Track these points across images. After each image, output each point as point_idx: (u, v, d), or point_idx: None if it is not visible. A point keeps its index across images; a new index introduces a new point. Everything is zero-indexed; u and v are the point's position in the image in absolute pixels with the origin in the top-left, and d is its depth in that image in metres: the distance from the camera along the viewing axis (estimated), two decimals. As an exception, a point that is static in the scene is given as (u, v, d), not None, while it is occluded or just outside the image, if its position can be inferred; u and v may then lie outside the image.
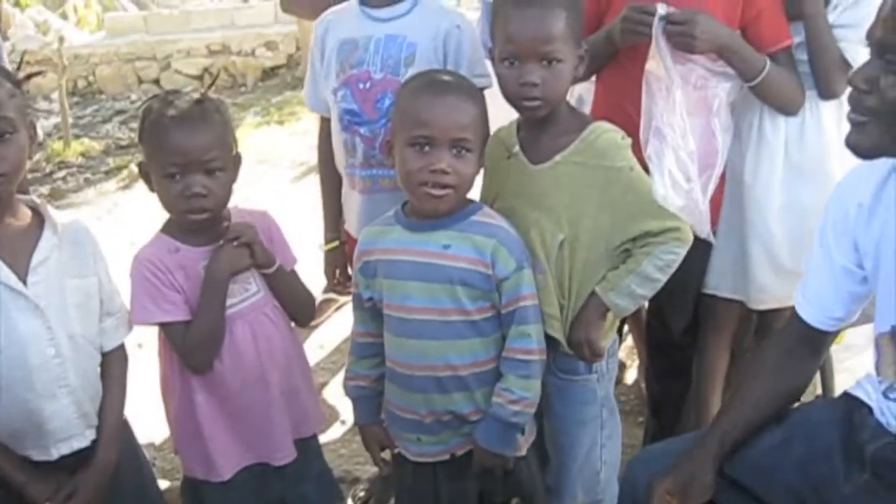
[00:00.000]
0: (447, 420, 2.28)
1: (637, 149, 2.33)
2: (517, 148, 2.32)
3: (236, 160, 2.31)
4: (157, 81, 10.77)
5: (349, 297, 4.43)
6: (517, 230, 2.23)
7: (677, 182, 2.39)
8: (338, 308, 4.54)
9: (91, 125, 9.40)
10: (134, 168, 7.44)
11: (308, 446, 2.48)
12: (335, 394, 3.78)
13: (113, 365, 2.27)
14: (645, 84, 2.48)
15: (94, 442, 2.21)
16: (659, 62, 2.46)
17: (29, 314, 2.07)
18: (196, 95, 2.27)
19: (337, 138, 2.69)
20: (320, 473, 2.54)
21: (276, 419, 2.37)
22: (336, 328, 4.43)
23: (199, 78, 10.45)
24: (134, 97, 10.34)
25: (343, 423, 3.63)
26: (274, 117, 8.85)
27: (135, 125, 9.03)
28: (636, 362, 3.72)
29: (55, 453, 2.16)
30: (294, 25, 9.55)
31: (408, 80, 2.33)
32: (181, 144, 2.19)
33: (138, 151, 8.00)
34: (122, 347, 2.30)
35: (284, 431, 2.40)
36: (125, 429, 2.34)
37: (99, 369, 2.25)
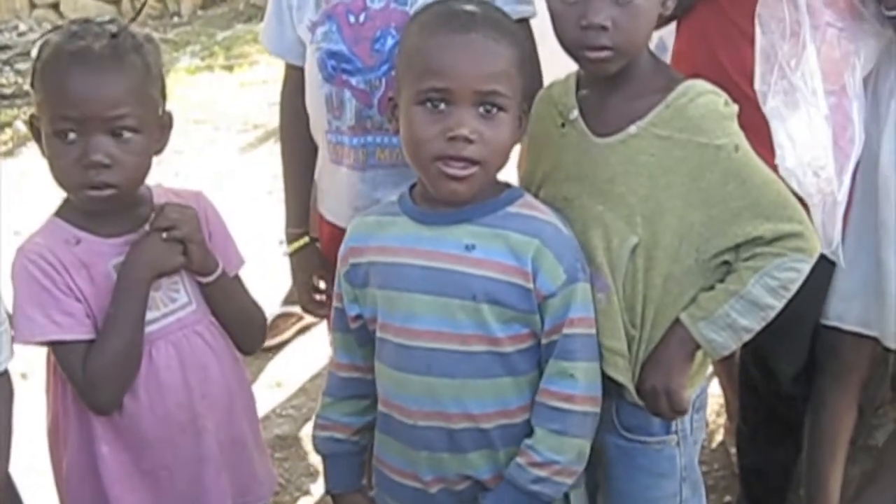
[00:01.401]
0: (461, 489, 2.29)
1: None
2: (576, 113, 2.30)
3: (163, 121, 2.34)
4: (55, 6, 10.86)
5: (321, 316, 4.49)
6: (571, 228, 2.22)
7: (809, 159, 2.38)
8: (301, 329, 4.58)
9: (-40, 64, 9.49)
10: (21, 126, 7.51)
11: None
12: (297, 452, 3.82)
13: None
14: (758, 23, 2.48)
15: None
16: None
17: None
18: (112, 28, 2.28)
19: (314, 93, 2.68)
20: None
21: (210, 481, 2.39)
22: (300, 359, 4.46)
23: (116, 3, 10.52)
24: (23, 27, 10.42)
25: (307, 493, 3.65)
26: (218, 60, 8.90)
27: (24, 66, 9.18)
28: (723, 419, 3.72)
29: None
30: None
31: (418, 11, 2.32)
32: (79, 93, 2.21)
33: (27, 104, 8.09)
34: (6, 374, 2.28)
35: (222, 499, 2.41)
36: (9, 490, 2.35)
37: None
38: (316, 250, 2.86)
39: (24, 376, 2.79)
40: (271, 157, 6.46)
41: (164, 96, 2.34)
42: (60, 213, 2.35)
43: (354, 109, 2.60)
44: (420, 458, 2.27)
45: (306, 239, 2.87)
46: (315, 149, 2.76)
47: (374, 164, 2.60)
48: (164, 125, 2.34)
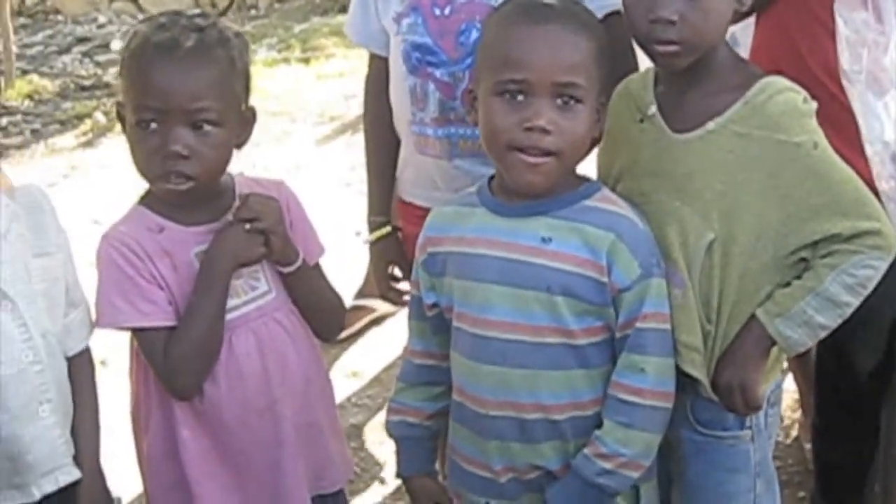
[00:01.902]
0: (530, 479, 2.30)
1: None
2: (653, 108, 2.30)
3: (245, 116, 2.37)
4: (134, 0, 10.92)
5: (393, 308, 4.51)
6: (648, 224, 2.23)
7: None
8: (375, 320, 4.60)
9: (42, 57, 9.55)
10: (100, 117, 7.55)
11: None
12: (372, 441, 3.84)
13: (81, 374, 2.32)
14: (838, 15, 2.49)
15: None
16: None
17: None
18: (201, 21, 2.31)
19: (398, 84, 2.70)
20: None
21: (288, 466, 2.41)
22: (375, 350, 4.48)
23: (193, -3, 10.59)
24: (102, 20, 10.49)
25: (382, 482, 3.67)
26: (295, 53, 8.90)
27: (103, 58, 9.26)
28: (797, 414, 3.71)
29: (37, 493, 2.21)
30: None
31: (499, 5, 2.34)
32: (162, 84, 2.24)
33: (107, 95, 8.16)
34: (88, 351, 2.35)
35: (299, 483, 2.43)
36: (99, 473, 2.38)
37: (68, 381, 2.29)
38: (396, 239, 2.88)
39: (103, 363, 2.83)
40: (348, 149, 6.48)
41: (248, 91, 2.36)
42: (144, 201, 2.38)
43: (438, 101, 2.62)
44: (491, 447, 2.29)
45: (388, 228, 2.88)
46: (398, 138, 2.78)
47: (458, 154, 2.61)
48: (246, 120, 2.36)
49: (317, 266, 2.46)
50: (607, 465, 2.20)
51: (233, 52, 2.31)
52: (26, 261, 2.18)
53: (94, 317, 2.33)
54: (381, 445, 3.78)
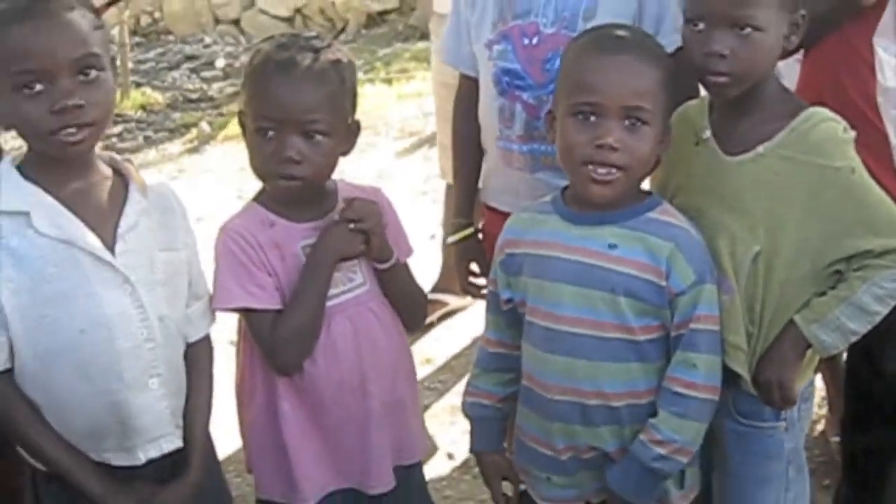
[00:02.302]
0: (588, 458, 2.31)
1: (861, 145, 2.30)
2: (708, 133, 2.31)
3: (350, 128, 2.39)
4: (236, 22, 10.98)
5: (463, 303, 4.53)
6: (702, 236, 2.23)
7: None
8: (447, 313, 4.60)
9: (154, 72, 9.60)
10: (205, 127, 7.61)
11: (410, 476, 2.53)
12: (442, 421, 3.83)
13: (198, 358, 2.32)
14: (877, 45, 2.52)
15: (184, 446, 2.28)
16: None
17: (117, 289, 2.14)
18: (316, 44, 2.33)
19: (488, 103, 2.70)
20: None
21: (374, 438, 2.42)
22: (446, 339, 4.48)
23: (289, 20, 10.62)
24: (208, 40, 10.55)
25: (451, 457, 3.67)
26: (379, 74, 8.89)
27: (208, 74, 9.32)
28: (823, 410, 3.69)
29: (142, 457, 2.22)
30: (409, -37, 9.66)
31: (577, 36, 2.36)
32: (280, 98, 2.27)
33: (211, 107, 8.23)
34: (207, 339, 2.36)
35: (384, 454, 2.44)
36: (208, 435, 2.39)
37: (183, 362, 2.30)
38: (477, 240, 2.88)
39: (232, 343, 2.85)
40: (424, 162, 6.50)
41: (354, 107, 2.38)
42: (259, 199, 2.40)
43: (523, 121, 2.62)
44: (554, 428, 2.29)
45: (471, 229, 2.88)
46: (482, 150, 2.79)
47: (539, 168, 2.60)
48: (351, 132, 2.38)
49: (406, 264, 2.47)
50: (662, 451, 2.20)
51: (343, 72, 2.34)
52: (151, 253, 2.19)
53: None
54: (450, 425, 3.79)
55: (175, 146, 7.47)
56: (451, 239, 2.92)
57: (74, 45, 2.05)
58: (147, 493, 2.21)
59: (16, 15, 2.05)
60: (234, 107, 8.06)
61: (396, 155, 6.88)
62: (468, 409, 2.49)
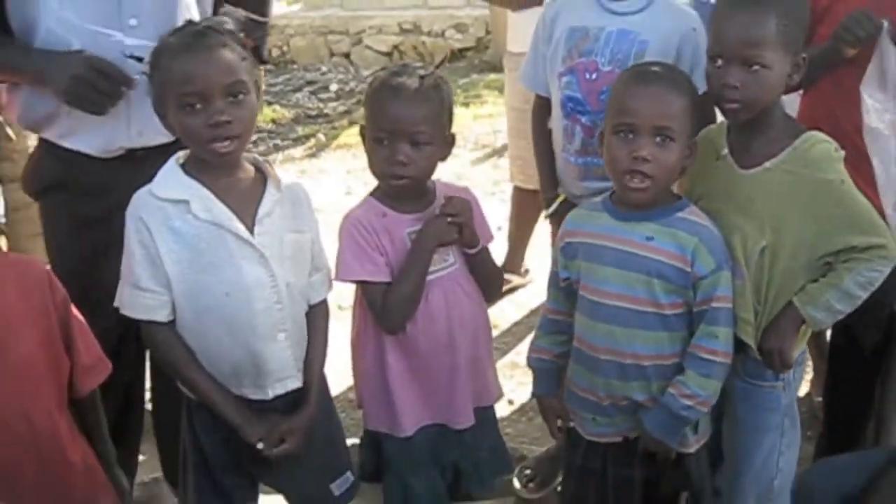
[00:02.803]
0: (623, 405, 2.31)
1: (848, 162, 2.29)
2: (726, 150, 2.31)
3: (447, 139, 2.38)
4: (347, 55, 11.00)
5: (522, 281, 4.53)
6: (720, 232, 2.23)
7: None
8: (510, 289, 4.57)
9: (282, 93, 9.59)
10: (321, 138, 7.64)
11: (486, 415, 2.53)
12: (504, 374, 3.77)
13: (317, 317, 2.35)
14: (863, 91, 2.49)
15: (303, 386, 2.31)
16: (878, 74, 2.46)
17: (255, 262, 2.17)
18: (422, 71, 2.35)
19: (556, 122, 2.70)
20: (494, 444, 2.58)
21: (459, 385, 2.43)
22: (509, 310, 4.45)
23: (389, 55, 10.62)
24: (324, 69, 10.56)
25: (510, 402, 3.67)
26: (459, 99, 8.72)
27: (324, 96, 9.36)
28: (809, 375, 3.62)
29: (271, 393, 2.26)
30: (485, 10, 9.59)
31: (624, 70, 2.37)
32: (392, 113, 2.29)
33: (325, 122, 8.27)
34: (325, 302, 2.38)
35: (466, 397, 2.46)
36: (323, 384, 2.42)
37: (305, 320, 2.33)
38: (571, 204, 2.77)
39: (340, 307, 2.88)
40: (493, 169, 6.48)
41: (450, 122, 2.38)
42: (374, 193, 2.41)
43: (581, 139, 2.63)
44: (598, 381, 2.31)
45: (562, 196, 2.83)
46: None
47: (590, 178, 2.60)
48: (448, 142, 2.38)
49: (487, 248, 2.48)
50: (689, 403, 2.21)
51: (443, 94, 2.35)
52: (282, 235, 2.22)
53: (333, 275, 2.38)
54: (510, 378, 3.79)
55: (297, 152, 7.50)
56: (547, 211, 2.88)
57: (226, 73, 2.10)
58: (274, 421, 2.24)
59: (182, 48, 2.11)
60: (345, 122, 8.15)
61: (471, 163, 6.85)
62: (532, 363, 2.50)
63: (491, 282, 2.52)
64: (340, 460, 2.45)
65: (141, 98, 2.33)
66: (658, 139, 2.15)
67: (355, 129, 7.71)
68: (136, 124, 2.44)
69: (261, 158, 2.31)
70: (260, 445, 2.20)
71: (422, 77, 2.32)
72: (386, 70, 2.39)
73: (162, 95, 2.13)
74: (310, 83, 9.83)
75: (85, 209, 2.51)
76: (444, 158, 2.39)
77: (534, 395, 2.55)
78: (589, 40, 2.59)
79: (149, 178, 2.20)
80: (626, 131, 2.17)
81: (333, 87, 9.58)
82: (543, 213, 2.92)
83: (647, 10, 2.59)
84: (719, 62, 2.19)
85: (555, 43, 2.66)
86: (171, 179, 2.18)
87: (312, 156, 7.36)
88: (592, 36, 2.58)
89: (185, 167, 2.19)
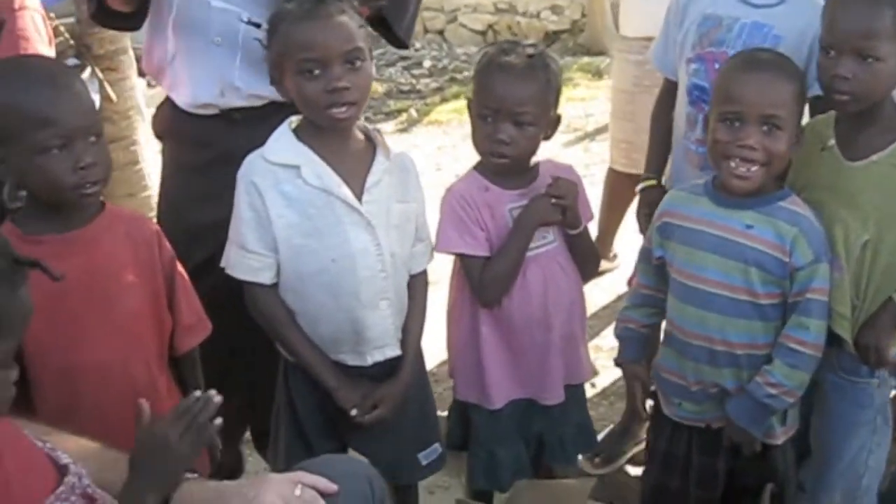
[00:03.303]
0: (712, 392, 2.30)
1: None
2: (832, 141, 2.28)
3: (552, 119, 2.38)
4: (441, 32, 11.00)
5: (611, 265, 4.50)
6: (821, 224, 2.21)
7: None
8: (598, 273, 4.54)
9: (376, 68, 9.67)
10: (413, 113, 7.67)
11: (575, 393, 2.55)
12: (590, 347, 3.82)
13: (417, 287, 2.36)
14: None
15: (400, 355, 2.32)
16: None
17: (361, 230, 2.19)
18: (530, 50, 2.34)
19: (680, 109, 2.66)
20: (581, 422, 2.59)
21: (552, 361, 2.44)
22: (597, 294, 4.39)
23: (483, 34, 10.60)
24: (418, 45, 10.54)
25: (593, 385, 3.62)
26: (553, 82, 8.80)
27: (417, 72, 9.38)
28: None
29: (369, 360, 2.28)
30: (582, -8, 9.57)
31: (731, 56, 2.34)
32: (496, 91, 2.30)
33: (418, 98, 8.30)
34: (425, 272, 2.40)
35: (557, 374, 2.47)
36: (419, 351, 2.42)
37: (406, 289, 2.34)
38: (660, 192, 2.76)
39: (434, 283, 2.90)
40: (584, 153, 6.43)
41: (556, 103, 2.38)
42: (477, 168, 2.42)
43: (703, 128, 2.50)
44: (687, 365, 2.30)
45: (654, 181, 2.81)
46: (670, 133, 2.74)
47: (709, 167, 2.45)
48: (552, 123, 2.39)
49: (586, 228, 2.47)
50: (773, 392, 2.19)
51: (550, 74, 2.34)
52: (389, 204, 2.24)
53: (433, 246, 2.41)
54: (594, 361, 3.66)
55: (389, 126, 7.51)
56: (639, 186, 2.86)
57: (345, 40, 2.11)
58: (368, 388, 2.26)
59: (302, 15, 2.12)
60: (437, 99, 8.17)
61: (563, 145, 6.81)
62: (619, 332, 2.50)
63: (588, 261, 2.52)
64: (430, 431, 2.47)
65: (224, 60, 2.40)
66: (765, 127, 2.13)
67: (447, 106, 7.80)
68: (218, 85, 2.47)
69: (371, 127, 2.32)
70: (354, 411, 2.24)
71: (530, 56, 2.32)
72: (496, 46, 2.40)
73: (279, 61, 2.15)
74: (403, 58, 9.82)
75: (183, 158, 2.58)
76: (548, 138, 2.39)
77: (618, 363, 2.56)
78: (721, 30, 2.52)
79: (244, 140, 2.25)
80: (733, 119, 2.15)
81: (427, 63, 9.59)
82: (640, 185, 2.87)
83: (785, 3, 2.50)
84: (832, 53, 2.17)
85: (686, 28, 2.61)
86: (282, 144, 2.20)
87: (404, 130, 7.38)
88: (725, 26, 2.51)
89: (297, 132, 2.21)
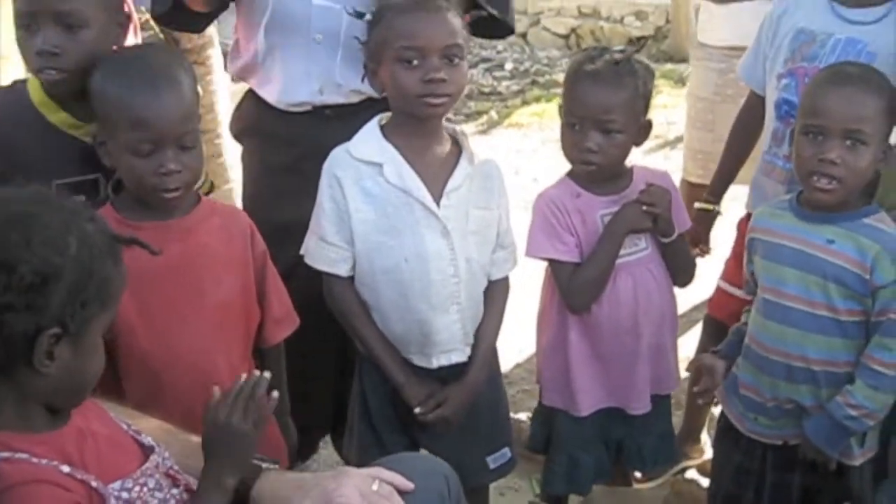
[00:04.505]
0: (788, 408, 2.30)
1: None
2: None
3: (643, 126, 2.39)
4: (524, 35, 11.00)
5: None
6: None
7: None
8: None
9: (458, 69, 9.75)
10: (493, 115, 7.71)
11: (661, 403, 2.56)
12: None
13: (496, 293, 2.37)
14: None
15: (469, 360, 2.33)
16: None
17: (437, 234, 2.21)
18: (617, 56, 2.36)
19: (766, 123, 2.64)
20: (664, 433, 2.61)
21: (640, 370, 2.46)
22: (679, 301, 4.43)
23: (566, 38, 10.60)
24: (500, 47, 10.54)
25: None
26: (635, 88, 8.74)
27: (498, 74, 9.41)
28: None
29: (435, 363, 2.30)
30: (668, -1, 9.50)
31: (820, 70, 2.35)
32: (582, 99, 2.34)
33: (499, 100, 8.32)
34: (506, 279, 2.40)
35: (645, 384, 2.48)
36: (493, 354, 2.44)
37: (482, 295, 2.35)
38: (712, 217, 2.86)
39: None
40: (664, 160, 6.39)
41: (646, 109, 2.39)
42: (570, 174, 2.44)
43: (790, 143, 2.50)
44: (764, 380, 2.30)
45: (711, 207, 2.88)
46: (747, 154, 2.75)
47: (795, 182, 2.41)
48: (643, 129, 2.40)
49: (682, 235, 2.47)
50: (853, 413, 2.18)
51: (638, 81, 2.35)
52: (468, 209, 2.26)
53: (524, 251, 2.42)
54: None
55: (469, 128, 7.52)
56: (697, 205, 2.91)
57: (447, 35, 2.13)
58: (435, 387, 2.29)
59: (409, 6, 2.16)
60: (518, 101, 8.20)
61: (643, 153, 6.78)
62: (732, 328, 2.48)
63: (683, 269, 2.52)
64: (501, 435, 2.47)
65: (324, 57, 2.46)
66: (848, 142, 2.13)
67: (527, 109, 7.82)
68: (317, 82, 2.51)
69: (459, 130, 2.34)
70: (418, 409, 2.26)
71: (617, 63, 2.32)
72: (584, 52, 2.42)
73: (378, 50, 2.18)
74: (485, 60, 9.86)
75: (272, 156, 2.63)
76: (638, 144, 2.41)
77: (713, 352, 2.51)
78: (815, 45, 2.50)
79: (335, 137, 2.30)
80: (816, 133, 2.15)
81: (508, 65, 9.61)
82: (697, 204, 2.91)
83: (882, 21, 2.47)
84: None
85: (778, 43, 2.60)
86: (368, 141, 2.24)
87: (483, 133, 7.40)
88: (819, 41, 2.49)
89: (385, 130, 2.24)
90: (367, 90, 2.40)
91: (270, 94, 2.57)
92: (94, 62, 2.05)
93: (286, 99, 2.55)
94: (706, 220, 2.94)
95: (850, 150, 2.13)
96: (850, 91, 2.16)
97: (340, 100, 2.51)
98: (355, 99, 2.51)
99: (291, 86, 2.52)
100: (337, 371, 2.70)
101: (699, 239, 2.95)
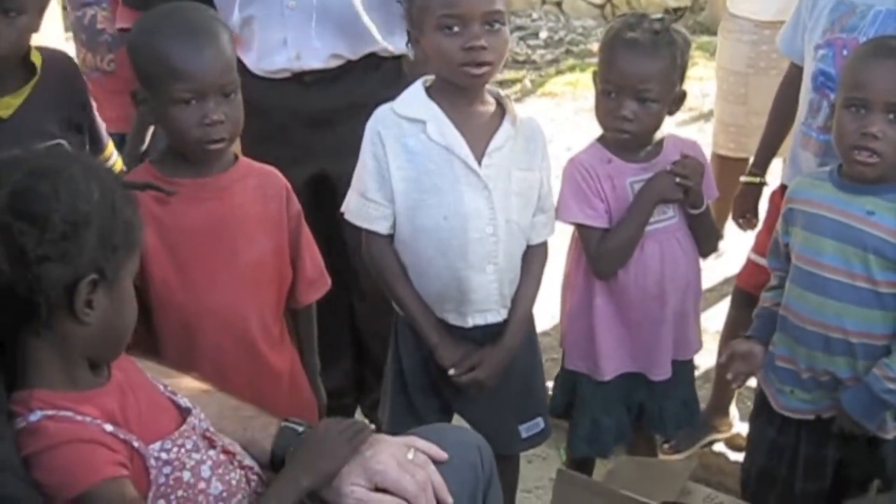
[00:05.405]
0: (823, 380, 2.29)
1: None
2: None
3: (677, 96, 2.39)
4: (559, 4, 10.92)
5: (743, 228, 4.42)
6: None
7: None
8: None
9: (492, 37, 9.71)
10: (527, 83, 7.68)
11: (683, 369, 2.57)
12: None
13: (534, 258, 2.36)
14: None
15: (504, 322, 2.33)
16: None
17: (477, 193, 2.21)
18: (656, 25, 2.34)
19: (803, 95, 2.63)
20: (686, 399, 2.61)
21: (663, 337, 2.47)
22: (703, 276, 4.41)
23: (601, 7, 10.52)
24: (535, 16, 10.52)
25: (696, 367, 3.65)
26: (670, 59, 8.67)
27: (532, 42, 9.36)
28: None
29: (470, 322, 2.30)
30: (704, -31, 9.41)
31: (863, 43, 2.32)
32: (621, 67, 2.32)
33: (532, 68, 8.28)
34: (545, 244, 2.39)
35: (668, 350, 2.49)
36: (529, 320, 2.43)
37: (520, 258, 2.34)
38: (759, 190, 2.85)
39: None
40: (698, 133, 6.33)
41: (682, 79, 2.38)
42: (600, 140, 2.43)
43: (826, 115, 2.52)
44: (800, 351, 2.29)
45: (758, 179, 2.86)
46: (789, 125, 2.73)
47: (829, 154, 2.43)
48: (677, 99, 2.39)
49: (709, 206, 2.47)
50: (891, 386, 2.16)
51: (675, 50, 2.34)
52: (510, 170, 2.25)
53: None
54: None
55: (502, 96, 7.57)
56: (742, 178, 2.91)
57: (487, 1, 2.12)
58: (470, 349, 2.29)
59: None
60: (552, 70, 8.15)
61: (677, 125, 6.73)
62: (757, 312, 2.47)
63: (708, 239, 2.52)
64: (536, 404, 2.48)
65: (298, 22, 2.50)
66: (891, 116, 2.11)
67: (561, 78, 7.77)
68: (294, 47, 2.56)
69: (503, 93, 2.33)
70: (451, 371, 2.27)
71: (656, 32, 2.32)
72: (622, 20, 2.41)
73: (420, 18, 2.18)
74: (519, 28, 9.79)
75: (254, 123, 2.60)
76: (672, 113, 2.41)
77: (746, 337, 2.50)
78: (855, 16, 2.48)
79: (317, 104, 2.35)
80: (858, 106, 2.13)
81: (543, 34, 9.56)
82: (743, 178, 2.91)
83: None
84: None
85: (818, 13, 2.58)
86: (413, 99, 2.24)
87: (518, 101, 7.35)
88: (859, 13, 2.47)
89: (429, 91, 2.24)
90: (346, 53, 2.46)
91: (250, 62, 2.62)
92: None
93: (263, 66, 2.62)
94: (753, 192, 2.93)
95: (893, 124, 2.11)
96: (893, 64, 2.13)
97: (319, 64, 2.57)
98: (334, 64, 2.57)
99: (268, 53, 2.60)
100: (351, 343, 2.75)
101: (746, 210, 2.95)
